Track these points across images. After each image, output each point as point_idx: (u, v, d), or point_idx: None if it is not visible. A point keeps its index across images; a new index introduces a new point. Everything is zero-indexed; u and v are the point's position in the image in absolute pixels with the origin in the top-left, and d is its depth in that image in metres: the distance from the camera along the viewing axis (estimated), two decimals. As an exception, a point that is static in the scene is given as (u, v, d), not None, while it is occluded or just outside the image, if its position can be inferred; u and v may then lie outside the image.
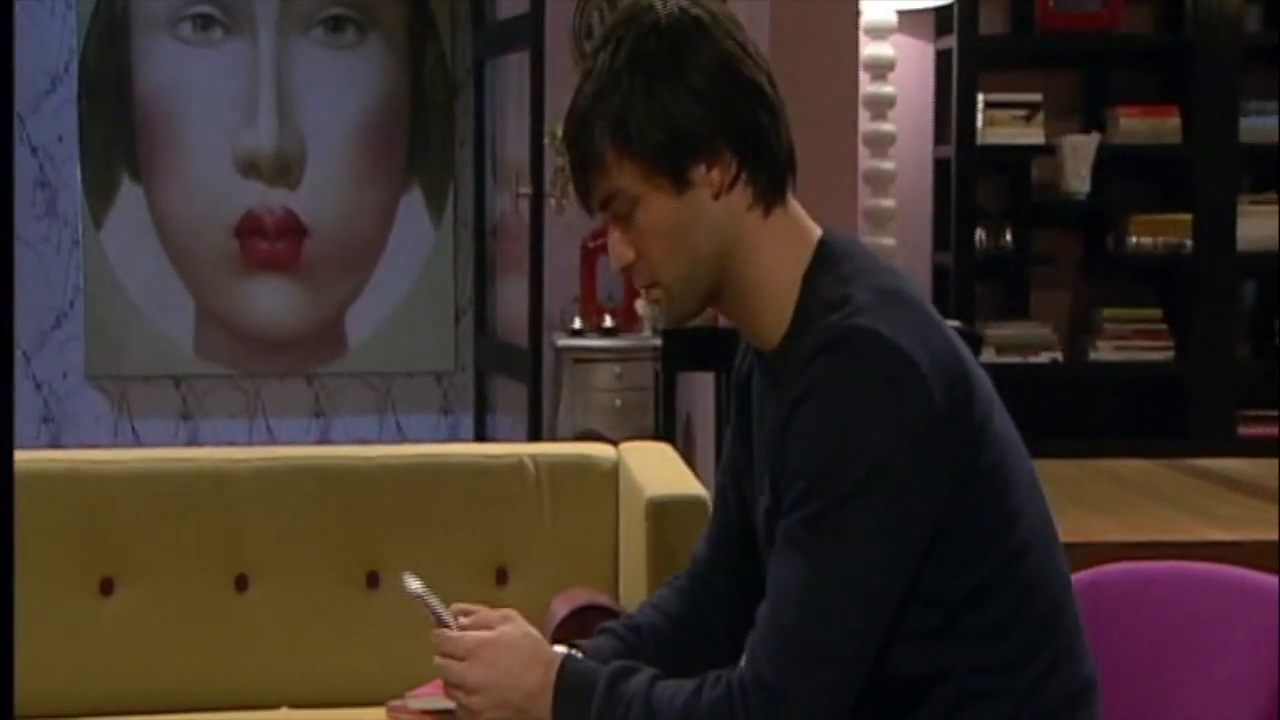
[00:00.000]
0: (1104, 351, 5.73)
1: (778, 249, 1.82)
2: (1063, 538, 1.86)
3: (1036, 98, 5.71)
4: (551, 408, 5.83)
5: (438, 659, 1.82)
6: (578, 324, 5.92)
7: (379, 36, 6.17)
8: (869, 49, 5.42)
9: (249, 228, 6.12)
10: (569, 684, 1.78)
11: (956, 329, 1.84)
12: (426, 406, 6.29)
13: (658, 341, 5.22)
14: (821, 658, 1.70)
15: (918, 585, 1.73)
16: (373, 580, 3.09)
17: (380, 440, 6.11)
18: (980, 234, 5.70)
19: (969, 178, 5.65)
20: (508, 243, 6.23)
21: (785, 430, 1.74)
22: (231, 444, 5.64)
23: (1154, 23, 5.86)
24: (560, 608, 2.90)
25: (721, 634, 1.99)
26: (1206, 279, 5.65)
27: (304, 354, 6.21)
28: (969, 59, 5.60)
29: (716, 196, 1.79)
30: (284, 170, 6.12)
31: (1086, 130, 5.74)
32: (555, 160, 5.56)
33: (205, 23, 6.08)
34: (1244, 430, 5.64)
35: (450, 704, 1.84)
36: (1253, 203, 5.74)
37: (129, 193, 6.07)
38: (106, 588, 3.03)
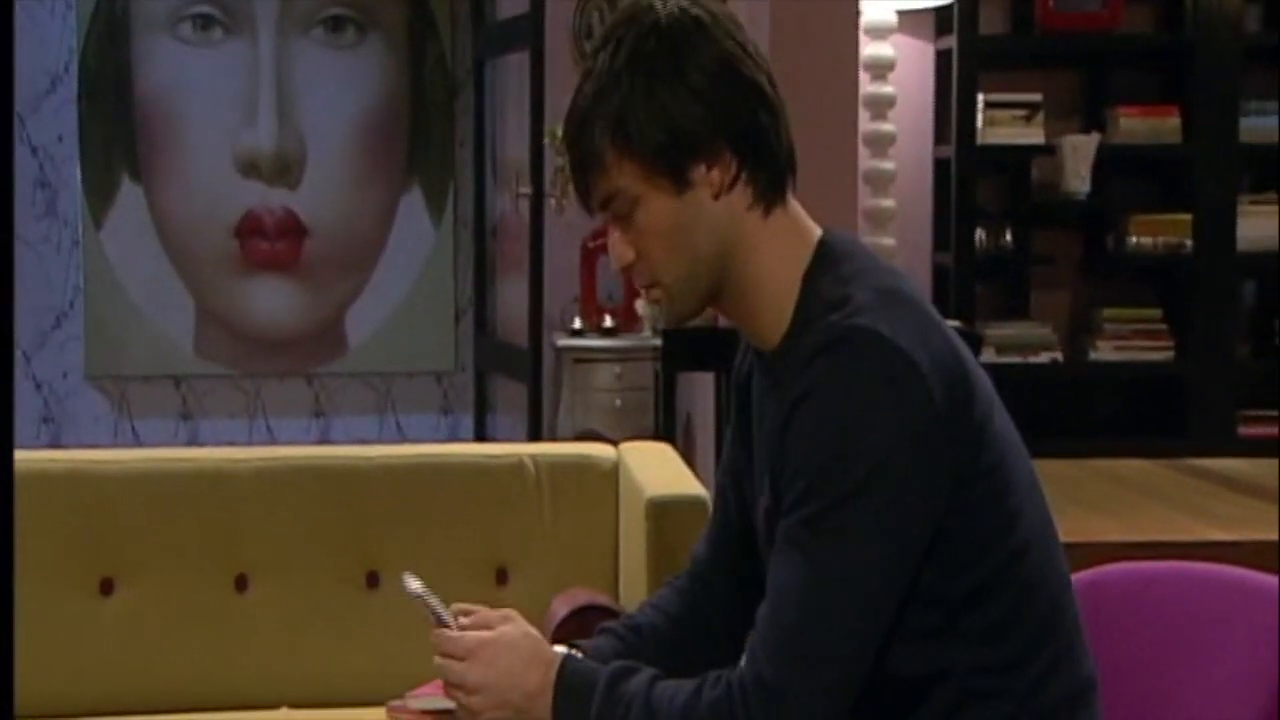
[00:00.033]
0: (1104, 351, 5.73)
1: (778, 249, 1.82)
2: (1063, 538, 1.86)
3: (1036, 98, 5.71)
4: (551, 408, 5.83)
5: (437, 659, 1.82)
6: (578, 324, 5.92)
7: (379, 36, 6.17)
8: (869, 49, 5.42)
9: (249, 228, 6.12)
10: (569, 684, 1.78)
11: (956, 329, 1.84)
12: (426, 406, 6.29)
13: (658, 341, 5.22)
14: (821, 658, 1.70)
15: (918, 585, 1.73)
16: (372, 580, 3.09)
17: (380, 440, 6.11)
18: (980, 234, 5.70)
19: (969, 178, 5.65)
20: (508, 243, 6.22)
21: (785, 430, 1.74)
22: (231, 444, 5.64)
23: (1154, 23, 5.86)
24: (560, 608, 2.90)
25: (721, 634, 1.99)
26: (1206, 279, 5.65)
27: (304, 354, 6.21)
28: (969, 59, 5.60)
29: (716, 196, 1.79)
30: (284, 170, 6.12)
31: (1086, 130, 5.74)
32: (555, 160, 5.56)
33: (205, 23, 6.08)
34: (1244, 430, 5.64)
35: (450, 704, 1.84)
36: (1253, 203, 5.74)
37: (129, 193, 6.07)
38: (106, 588, 3.03)
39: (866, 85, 5.37)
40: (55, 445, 5.99)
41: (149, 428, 6.17)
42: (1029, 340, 5.71)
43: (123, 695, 2.99)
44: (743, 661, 1.77)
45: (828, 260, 1.81)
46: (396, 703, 1.94)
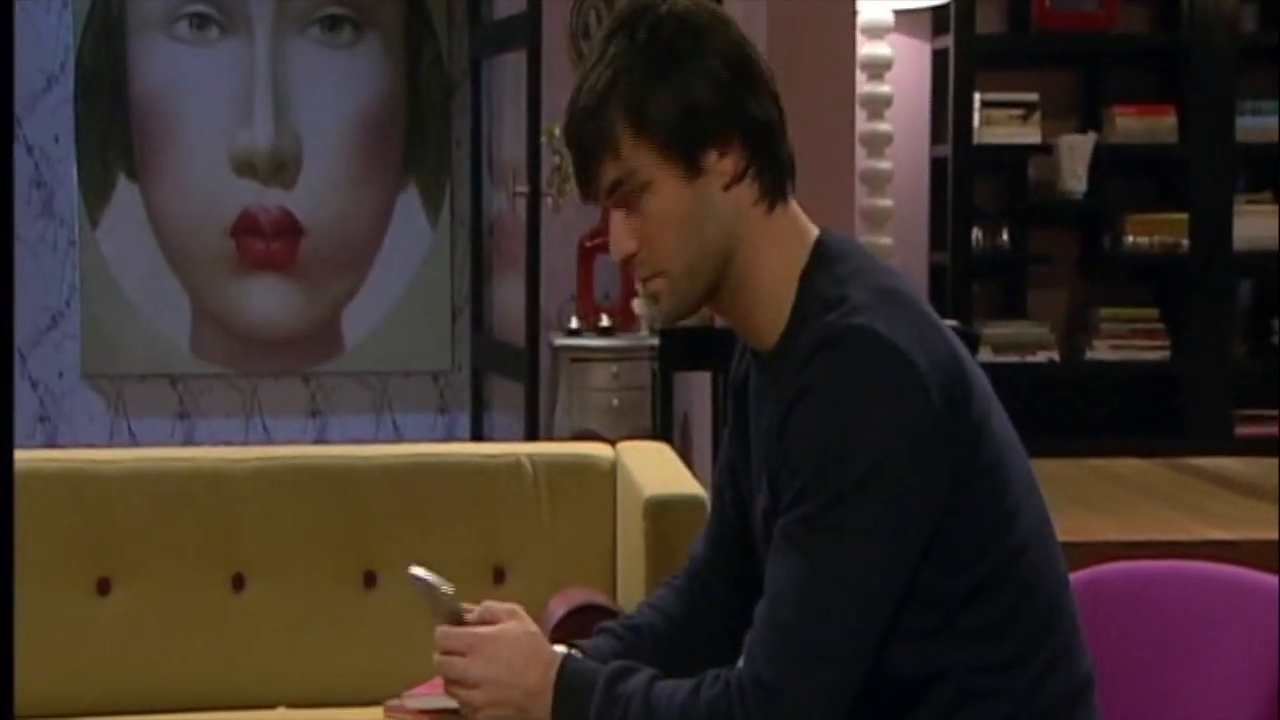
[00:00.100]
0: (1101, 351, 5.73)
1: (777, 247, 1.82)
2: (1060, 537, 1.86)
3: (1033, 97, 5.71)
4: (548, 407, 5.83)
5: (438, 656, 1.82)
6: (574, 323, 5.91)
7: (375, 36, 6.17)
8: (866, 48, 5.42)
9: (245, 227, 6.12)
10: (568, 683, 1.78)
11: (953, 328, 1.84)
12: (423, 406, 6.29)
13: (655, 341, 5.22)
14: (820, 657, 1.70)
15: (916, 584, 1.73)
16: (370, 580, 3.09)
17: (377, 440, 6.10)
18: (977, 233, 5.70)
19: (966, 177, 5.65)
20: (504, 242, 6.22)
21: (783, 429, 1.74)
22: (228, 443, 5.64)
23: (1150, 22, 5.87)
24: (558, 607, 2.90)
25: (720, 633, 1.99)
26: (1203, 278, 5.65)
27: (300, 353, 6.21)
28: (966, 58, 5.60)
29: (726, 188, 1.79)
30: (280, 169, 6.12)
31: (1083, 130, 5.75)
32: (552, 159, 5.56)
33: (201, 22, 6.07)
34: (1241, 430, 5.65)
35: (447, 703, 1.84)
36: (1249, 202, 5.74)
37: (125, 192, 6.07)
38: (103, 587, 3.03)
39: (863, 85, 5.37)
40: (51, 444, 5.98)
41: (145, 427, 6.16)
42: (1026, 339, 5.71)
43: (120, 695, 2.99)
44: (741, 661, 1.77)
45: (825, 260, 1.82)
46: (394, 702, 1.94)
